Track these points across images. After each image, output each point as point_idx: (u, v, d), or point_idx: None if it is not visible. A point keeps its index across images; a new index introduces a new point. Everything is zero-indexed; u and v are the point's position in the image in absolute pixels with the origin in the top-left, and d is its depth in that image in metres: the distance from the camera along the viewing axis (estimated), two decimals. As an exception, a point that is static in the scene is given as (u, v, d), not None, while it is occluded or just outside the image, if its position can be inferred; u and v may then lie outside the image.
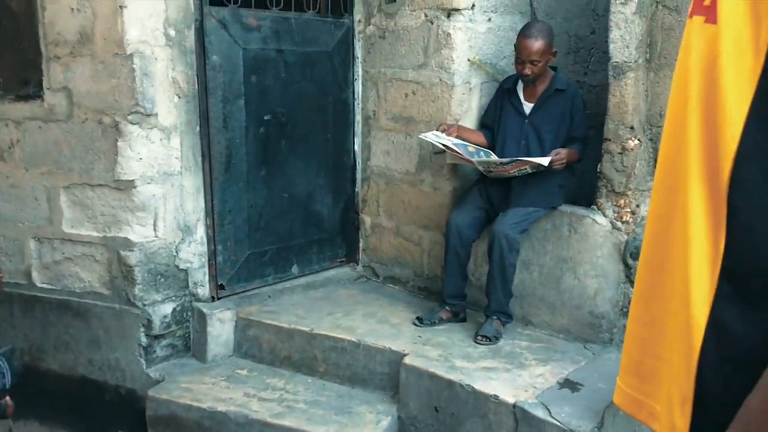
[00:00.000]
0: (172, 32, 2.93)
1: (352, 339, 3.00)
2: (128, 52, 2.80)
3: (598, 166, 2.98)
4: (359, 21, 3.62)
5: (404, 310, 3.34)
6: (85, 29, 2.86)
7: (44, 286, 3.27)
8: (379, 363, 2.94)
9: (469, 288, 3.25)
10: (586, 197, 3.12)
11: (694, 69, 0.86)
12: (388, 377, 2.91)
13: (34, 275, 3.27)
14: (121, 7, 2.76)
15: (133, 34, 2.80)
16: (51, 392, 3.31)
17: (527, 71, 2.99)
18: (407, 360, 2.82)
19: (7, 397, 1.41)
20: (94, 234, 3.09)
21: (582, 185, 3.26)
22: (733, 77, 0.80)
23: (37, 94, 3.04)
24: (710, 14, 0.83)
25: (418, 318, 3.19)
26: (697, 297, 0.84)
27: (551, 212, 3.09)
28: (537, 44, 2.94)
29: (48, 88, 3.00)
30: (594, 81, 3.94)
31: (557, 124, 3.09)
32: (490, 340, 2.98)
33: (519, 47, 3.00)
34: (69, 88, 2.96)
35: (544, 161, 2.86)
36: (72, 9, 2.86)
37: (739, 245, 0.81)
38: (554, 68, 3.17)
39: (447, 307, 3.18)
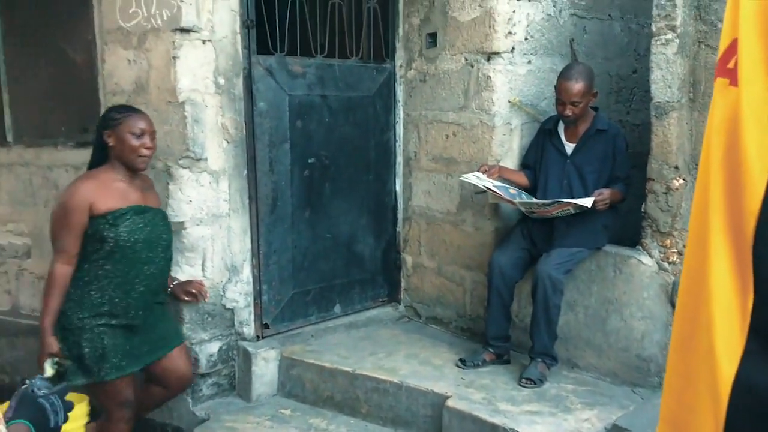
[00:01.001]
0: (221, 80, 3.06)
1: (395, 380, 3.00)
2: (180, 100, 2.94)
3: (643, 205, 2.95)
4: (401, 66, 3.71)
5: (447, 352, 3.32)
6: (140, 79, 3.01)
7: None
8: (421, 405, 2.92)
9: (513, 329, 3.22)
10: (631, 237, 3.08)
11: (717, 129, 0.88)
12: (431, 420, 2.88)
13: (88, 314, 3.38)
14: (174, 58, 2.90)
15: (185, 83, 2.93)
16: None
17: (568, 112, 3.01)
18: (450, 402, 2.80)
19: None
20: (145, 274, 3.18)
21: (626, 225, 3.23)
22: (754, 139, 0.82)
23: (95, 141, 3.19)
24: (733, 77, 0.85)
25: (461, 360, 3.17)
26: (725, 352, 0.84)
27: (596, 252, 3.06)
28: (577, 86, 2.96)
29: (105, 135, 3.15)
30: (636, 120, 3.93)
31: (600, 164, 3.08)
32: (534, 383, 2.94)
33: (559, 89, 3.02)
34: (125, 134, 3.10)
35: (587, 202, 2.85)
36: (129, 61, 3.02)
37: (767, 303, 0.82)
38: (595, 108, 3.18)
39: (490, 349, 3.16)
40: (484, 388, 2.92)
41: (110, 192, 2.57)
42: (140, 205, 2.63)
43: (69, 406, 1.42)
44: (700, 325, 0.90)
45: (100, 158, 2.64)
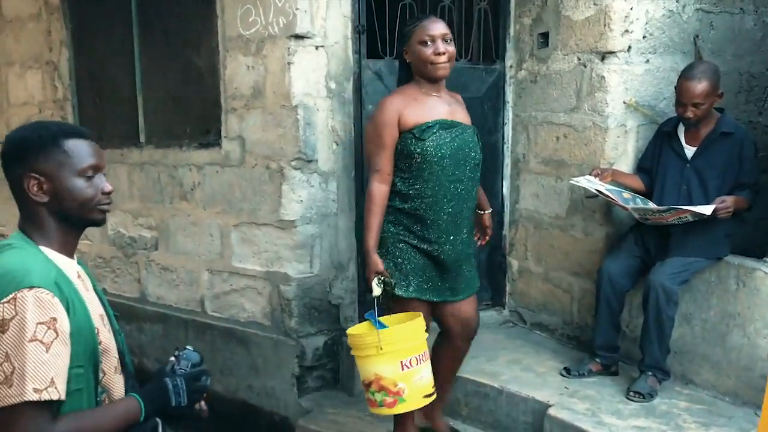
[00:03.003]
0: (332, 85, 3.16)
1: (495, 385, 2.97)
2: (294, 104, 3.07)
3: (772, 214, 2.73)
4: (511, 66, 3.66)
5: (551, 359, 3.24)
6: (257, 84, 3.18)
7: (214, 314, 3.61)
8: (522, 412, 2.87)
9: (622, 340, 3.09)
10: (759, 248, 2.86)
11: None
12: (532, 427, 2.83)
13: (206, 304, 3.63)
14: (289, 63, 3.04)
15: (299, 87, 3.06)
16: (216, 412, 3.60)
17: (689, 114, 2.84)
18: (552, 411, 2.73)
19: (203, 403, 1.56)
20: (258, 268, 3.37)
21: (754, 234, 3.00)
22: None
23: (216, 142, 3.42)
24: None
25: (565, 368, 3.08)
26: None
27: (716, 263, 2.87)
28: (700, 86, 2.79)
29: (225, 137, 3.37)
30: (770, 121, 3.64)
31: (723, 170, 2.88)
32: (643, 397, 2.80)
33: (680, 90, 2.86)
34: (242, 136, 3.29)
35: (707, 210, 2.68)
36: (248, 66, 3.20)
37: None
38: (720, 110, 2.98)
39: (597, 359, 3.05)
40: (589, 399, 2.82)
41: (417, 105, 2.48)
42: (446, 119, 2.50)
43: (198, 389, 1.51)
44: None
45: (407, 77, 2.55)
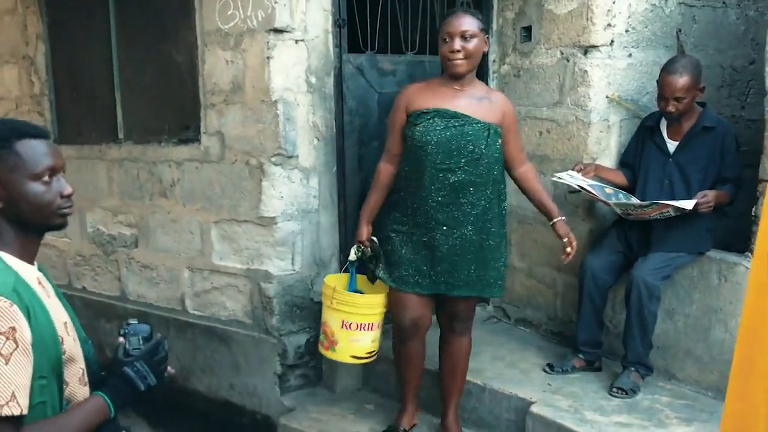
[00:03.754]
0: (313, 79, 3.12)
1: (478, 382, 2.95)
2: (273, 99, 3.02)
3: (753, 208, 2.72)
4: (494, 61, 3.63)
5: (535, 356, 3.23)
6: (237, 79, 3.13)
7: (195, 312, 3.56)
8: (505, 409, 2.86)
9: (605, 336, 3.09)
10: (741, 242, 2.85)
11: None
12: (515, 425, 2.81)
13: (187, 302, 3.58)
14: (268, 58, 2.99)
15: (278, 82, 3.02)
16: (198, 411, 3.57)
17: (671, 108, 2.83)
18: (534, 408, 2.72)
19: (169, 368, 1.52)
20: (239, 266, 3.32)
21: (736, 229, 2.99)
22: None
23: (195, 138, 3.37)
24: None
25: (548, 365, 3.07)
26: None
27: (698, 258, 2.87)
28: (681, 80, 2.78)
29: (204, 133, 3.31)
30: (753, 115, 3.63)
31: (706, 164, 2.88)
32: (626, 393, 2.80)
33: (662, 84, 2.84)
34: (222, 132, 3.24)
35: (688, 205, 2.67)
36: (227, 61, 3.15)
37: None
38: (703, 104, 2.97)
39: (581, 355, 3.04)
40: (572, 396, 2.82)
41: (428, 94, 2.56)
42: (448, 108, 2.51)
43: (160, 361, 1.45)
44: (762, 348, 0.83)
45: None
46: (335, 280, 2.86)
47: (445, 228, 2.54)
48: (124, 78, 3.69)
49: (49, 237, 4.35)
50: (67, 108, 4.04)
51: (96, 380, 1.48)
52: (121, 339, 1.46)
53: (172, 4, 3.36)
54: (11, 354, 1.17)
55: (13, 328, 1.18)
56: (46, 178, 1.33)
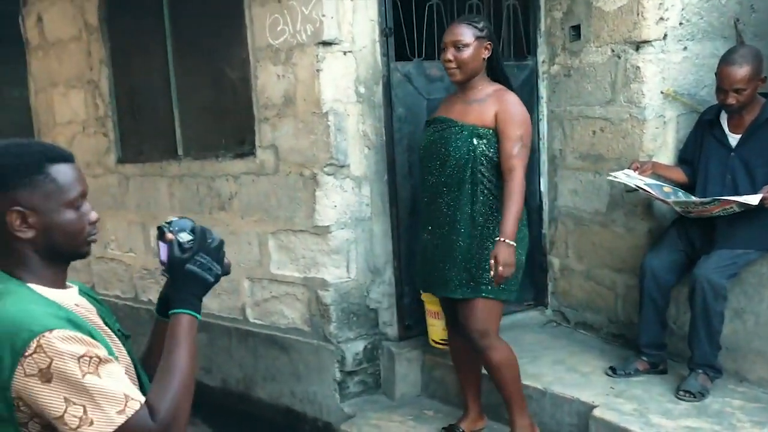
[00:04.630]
0: (362, 89, 3.16)
1: (538, 386, 2.91)
2: (324, 111, 3.08)
3: (824, 202, 2.60)
4: (543, 61, 3.59)
5: (596, 359, 3.16)
6: (288, 92, 3.21)
7: (255, 321, 3.65)
8: (566, 413, 2.81)
9: (669, 337, 3.00)
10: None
11: None
12: (577, 429, 2.76)
13: (248, 311, 3.67)
14: (318, 70, 3.06)
15: (328, 94, 3.07)
16: (261, 419, 3.65)
17: (731, 101, 2.73)
18: (597, 412, 2.66)
19: (226, 260, 1.41)
20: (296, 275, 3.39)
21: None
22: None
23: (250, 152, 3.46)
24: None
25: (611, 368, 3.00)
26: None
27: (766, 254, 2.75)
28: (741, 71, 2.68)
29: (259, 146, 3.40)
30: (820, 104, 3.47)
31: (771, 157, 2.76)
32: (694, 396, 2.70)
33: (720, 75, 2.75)
34: (276, 145, 3.32)
35: (754, 200, 2.57)
36: (278, 76, 3.23)
37: None
38: (765, 95, 2.86)
39: (644, 358, 2.96)
40: (636, 399, 2.74)
41: (442, 105, 2.78)
42: (441, 116, 2.68)
43: (218, 248, 1.36)
44: None
45: None
46: None
47: (430, 228, 2.71)
48: (182, 97, 3.84)
49: (115, 252, 4.53)
50: (129, 128, 4.23)
51: (163, 297, 1.44)
52: (170, 236, 1.35)
53: (224, 23, 3.47)
54: (98, 368, 1.15)
55: (88, 350, 1.16)
56: (78, 203, 1.29)
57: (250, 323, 3.67)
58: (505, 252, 2.43)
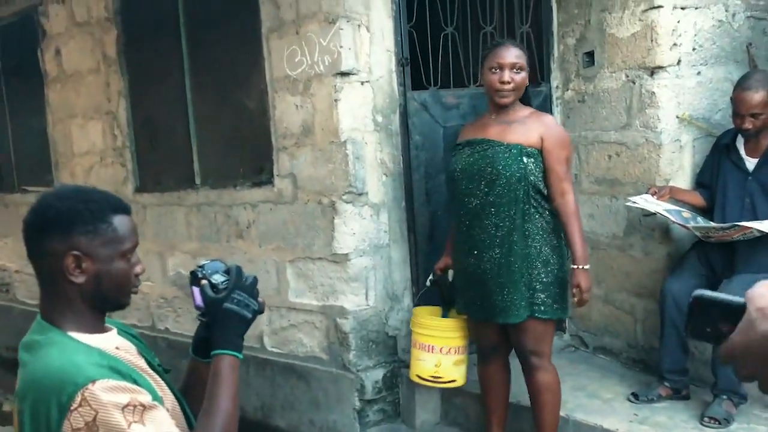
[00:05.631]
0: (379, 118, 3.20)
1: (561, 414, 2.88)
2: (342, 140, 3.12)
3: None
4: (557, 87, 3.63)
5: (617, 385, 3.14)
6: (306, 122, 3.25)
7: (273, 350, 3.65)
8: (590, 441, 2.78)
9: (691, 362, 2.97)
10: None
11: None
12: (602, 457, 2.73)
13: (266, 340, 3.67)
14: (336, 100, 3.10)
15: (346, 123, 3.11)
16: (279, 448, 3.63)
17: (747, 125, 2.75)
18: (622, 440, 2.64)
19: (260, 298, 1.41)
20: (315, 303, 3.39)
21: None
22: None
23: (268, 181, 3.49)
24: None
25: (633, 394, 2.98)
26: None
27: (788, 278, 2.74)
28: (757, 96, 2.70)
29: (277, 175, 3.44)
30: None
31: (790, 181, 2.77)
32: (719, 423, 2.68)
33: (736, 101, 2.77)
34: (294, 174, 3.35)
35: (773, 224, 2.57)
36: (296, 106, 3.27)
37: None
38: (781, 118, 2.87)
39: (666, 383, 2.93)
40: (660, 426, 2.72)
41: (471, 128, 2.70)
42: (477, 137, 2.60)
43: (252, 285, 1.37)
44: None
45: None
46: (425, 310, 3.08)
47: (475, 252, 2.60)
48: (199, 126, 3.89)
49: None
50: (147, 158, 4.28)
51: (198, 338, 1.44)
52: (204, 281, 1.36)
53: (243, 54, 3.53)
54: (142, 415, 1.16)
55: (132, 398, 1.16)
56: (130, 255, 1.31)
57: (268, 351, 3.67)
58: (585, 278, 2.50)
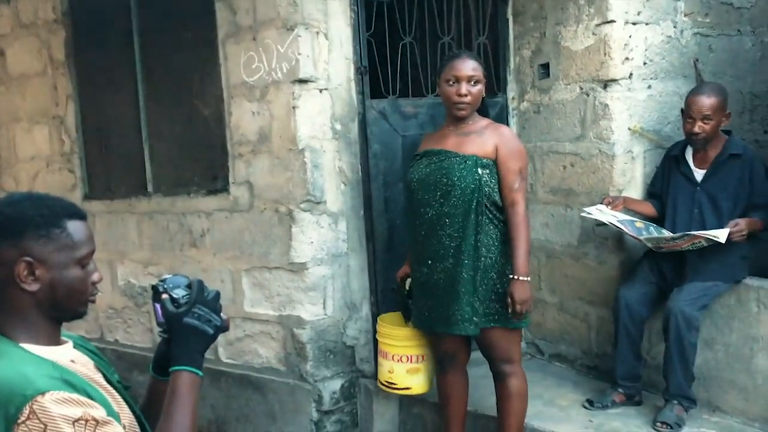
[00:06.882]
0: (338, 126, 3.18)
1: (518, 422, 2.90)
2: (300, 147, 3.08)
3: (788, 234, 2.70)
4: (513, 98, 3.68)
5: (572, 392, 3.19)
6: (263, 129, 3.20)
7: (228, 361, 3.57)
8: (547, 448, 2.81)
9: (644, 368, 3.04)
10: (776, 269, 2.83)
11: None
12: (559, 464, 2.76)
13: (220, 351, 3.59)
14: (294, 107, 3.07)
15: (305, 130, 3.08)
16: (233, 461, 3.55)
17: (697, 129, 2.82)
18: (578, 447, 2.67)
19: (223, 315, 1.40)
20: (271, 313, 3.34)
21: (769, 255, 2.97)
22: None
23: (224, 188, 3.43)
24: None
25: (588, 400, 3.03)
26: None
27: (735, 286, 2.83)
28: (710, 100, 2.80)
29: (233, 183, 3.38)
30: (776, 139, 3.63)
31: (735, 192, 2.87)
32: (670, 427, 2.74)
33: (689, 104, 2.86)
34: (250, 182, 3.30)
35: (722, 235, 2.65)
36: (253, 112, 3.22)
37: None
38: (728, 132, 2.98)
39: (620, 389, 2.99)
40: (615, 432, 2.77)
41: (430, 138, 2.72)
42: (435, 148, 2.62)
43: (214, 299, 1.34)
44: None
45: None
46: (392, 317, 3.07)
47: (430, 262, 2.62)
48: (152, 132, 3.79)
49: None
50: (96, 164, 4.14)
51: (159, 355, 1.40)
52: (165, 296, 1.34)
53: (198, 60, 3.46)
54: (95, 431, 1.12)
55: (84, 412, 1.12)
56: (86, 262, 1.27)
57: (223, 363, 3.58)
58: (521, 289, 2.49)
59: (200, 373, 1.31)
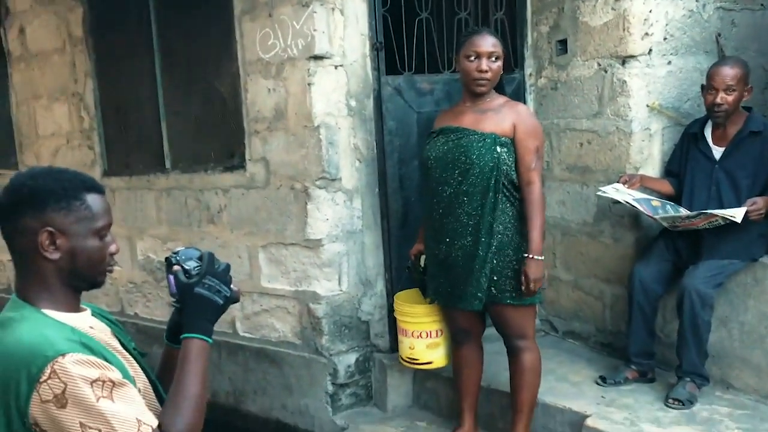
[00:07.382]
0: (353, 103, 3.18)
1: (531, 397, 2.93)
2: (316, 124, 3.09)
3: (806, 213, 2.67)
4: (530, 75, 3.64)
5: (585, 368, 3.20)
6: (279, 106, 3.21)
7: (245, 335, 3.63)
8: (559, 423, 2.84)
9: (657, 346, 3.05)
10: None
11: None
12: (570, 439, 2.79)
13: (238, 325, 3.65)
14: (309, 84, 3.07)
15: (320, 107, 3.09)
16: (251, 432, 3.64)
17: (719, 100, 2.78)
18: (589, 422, 2.70)
19: (234, 286, 1.42)
20: (287, 288, 3.38)
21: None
22: None
23: (240, 165, 3.46)
24: None
25: (601, 377, 3.04)
26: None
27: (751, 264, 2.82)
28: (732, 71, 2.77)
29: (249, 160, 3.40)
30: (798, 116, 3.56)
31: (754, 169, 2.84)
32: (683, 404, 2.75)
33: (711, 75, 2.82)
34: (266, 158, 3.32)
35: (738, 214, 2.63)
36: (269, 89, 3.23)
37: None
38: (748, 108, 2.93)
39: (633, 366, 3.00)
40: (627, 408, 2.79)
41: (446, 115, 2.70)
42: (452, 125, 2.60)
43: (225, 271, 1.39)
44: None
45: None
46: (410, 294, 3.11)
47: (448, 240, 2.63)
48: (170, 109, 3.82)
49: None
50: (115, 141, 4.19)
51: (172, 324, 1.45)
52: (177, 267, 1.39)
53: (214, 37, 3.47)
54: (111, 392, 1.17)
55: (102, 373, 1.18)
56: (104, 233, 1.32)
57: (240, 337, 3.65)
58: (535, 268, 2.52)
59: (210, 340, 1.36)
